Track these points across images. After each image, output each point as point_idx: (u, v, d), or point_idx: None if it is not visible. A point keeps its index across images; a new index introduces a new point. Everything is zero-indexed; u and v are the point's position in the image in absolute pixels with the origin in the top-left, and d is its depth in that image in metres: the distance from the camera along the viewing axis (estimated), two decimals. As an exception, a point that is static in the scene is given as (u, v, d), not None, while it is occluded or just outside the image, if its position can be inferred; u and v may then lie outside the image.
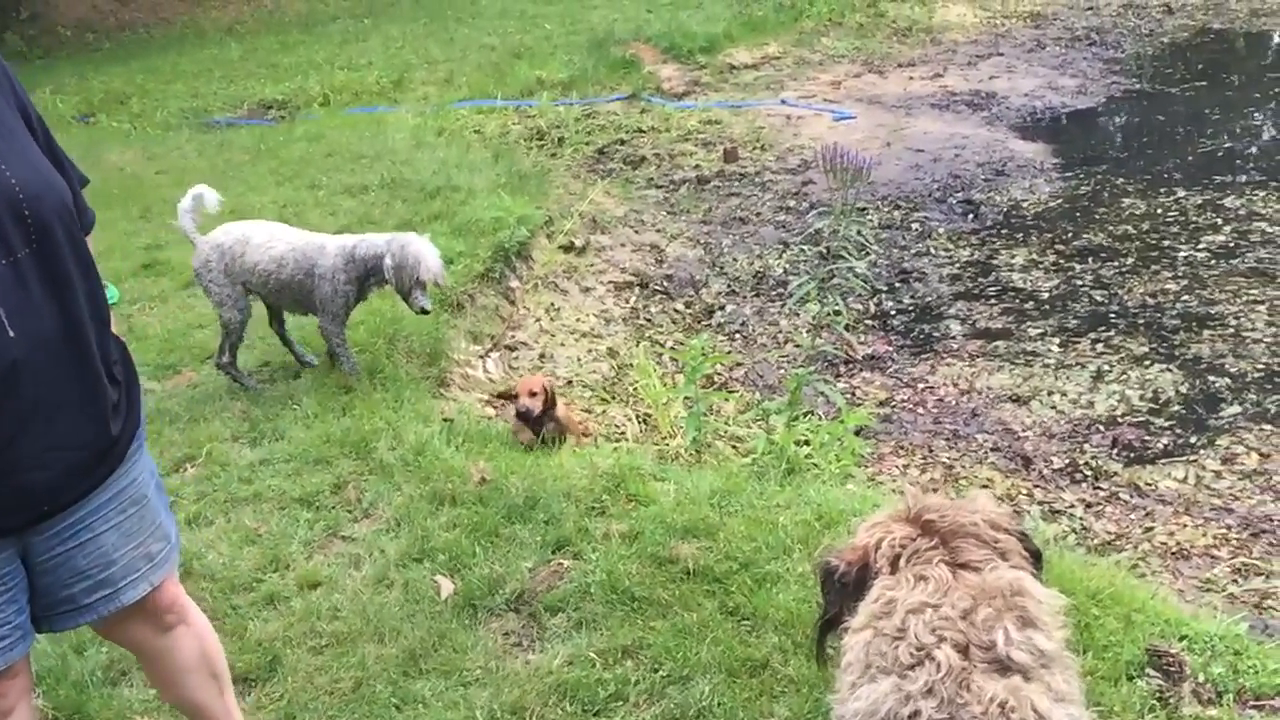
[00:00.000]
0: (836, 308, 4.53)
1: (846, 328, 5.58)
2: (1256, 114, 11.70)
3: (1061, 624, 1.97)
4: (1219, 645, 3.31)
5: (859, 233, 5.04)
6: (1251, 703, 3.07)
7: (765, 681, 3.39)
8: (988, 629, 1.93)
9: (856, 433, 5.38)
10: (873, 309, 7.87)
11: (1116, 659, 3.21)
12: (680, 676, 3.45)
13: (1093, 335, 7.13)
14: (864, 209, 9.17)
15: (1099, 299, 7.62)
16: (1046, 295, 7.79)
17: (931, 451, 6.10)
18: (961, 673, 1.88)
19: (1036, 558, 2.02)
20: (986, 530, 2.01)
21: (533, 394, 5.42)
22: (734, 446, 6.01)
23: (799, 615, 3.61)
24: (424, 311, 5.49)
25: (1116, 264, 8.12)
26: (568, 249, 8.45)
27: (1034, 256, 8.43)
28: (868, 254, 5.36)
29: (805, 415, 5.56)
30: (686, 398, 5.66)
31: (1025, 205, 9.47)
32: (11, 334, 2.21)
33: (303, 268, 5.50)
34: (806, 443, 5.21)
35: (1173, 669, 3.12)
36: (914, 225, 9.27)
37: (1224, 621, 3.47)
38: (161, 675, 2.96)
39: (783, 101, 12.63)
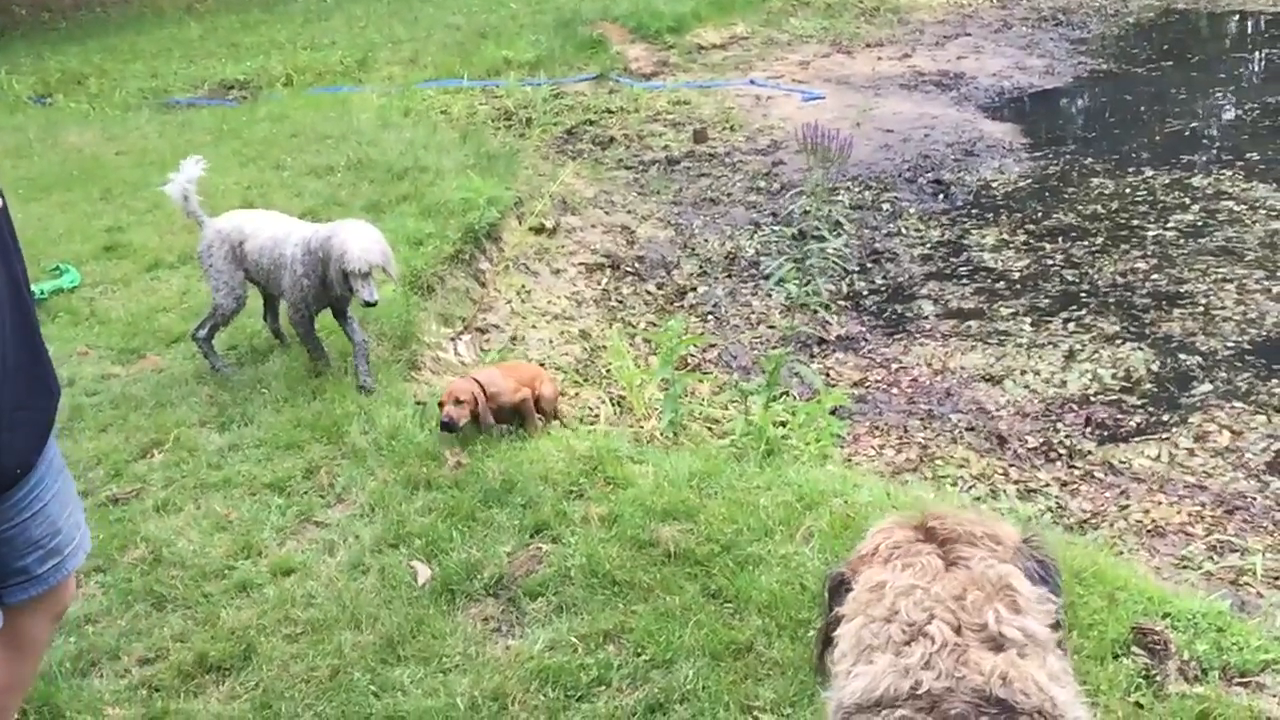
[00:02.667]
0: (815, 288, 4.49)
1: (824, 307, 5.53)
2: (1221, 94, 11.78)
3: (1049, 616, 1.94)
4: (1202, 623, 3.31)
5: (831, 213, 5.01)
6: (1237, 679, 3.07)
7: (749, 664, 3.36)
8: (978, 611, 1.90)
9: (832, 413, 5.36)
10: (845, 290, 7.85)
11: (1102, 637, 3.20)
12: (663, 660, 3.42)
13: (1064, 315, 7.14)
14: (835, 189, 9.14)
15: (1070, 278, 7.64)
16: (1018, 275, 7.80)
17: (907, 432, 6.09)
18: (957, 647, 1.85)
19: (1044, 567, 1.98)
20: (986, 539, 1.97)
21: (459, 401, 4.79)
22: (709, 428, 5.97)
23: (782, 597, 3.58)
24: (368, 304, 5.15)
25: (1087, 244, 8.14)
26: (538, 230, 8.36)
27: (1005, 236, 8.44)
28: (842, 234, 5.32)
29: (781, 396, 5.52)
30: (664, 379, 5.61)
31: (995, 185, 9.48)
32: None
33: (273, 257, 5.39)
34: (784, 424, 5.18)
35: (1158, 647, 3.12)
36: (885, 205, 9.26)
37: (1206, 599, 3.48)
38: (19, 674, 2.84)
39: (751, 82, 12.57)
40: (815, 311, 6.38)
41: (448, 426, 4.78)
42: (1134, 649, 3.14)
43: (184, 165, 5.59)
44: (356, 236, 5.12)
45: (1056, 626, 1.89)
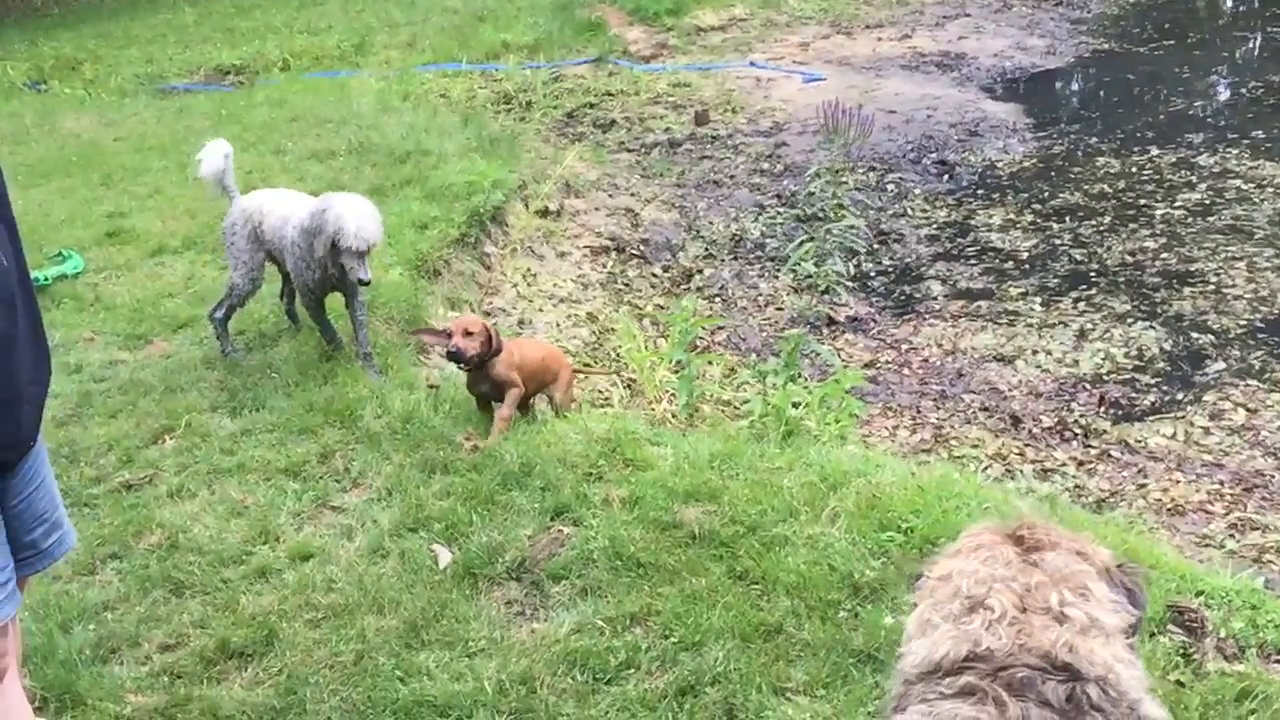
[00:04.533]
0: (833, 267, 4.45)
1: (832, 288, 5.49)
2: (1223, 73, 11.74)
3: (1120, 617, 1.89)
4: (1236, 600, 3.28)
5: (840, 192, 4.96)
6: (1275, 657, 3.05)
7: (780, 646, 3.32)
8: (1042, 593, 1.86)
9: (848, 393, 5.31)
10: (852, 270, 7.81)
11: (1138, 616, 3.16)
12: (692, 643, 3.38)
13: (1074, 294, 7.11)
14: (839, 170, 9.08)
15: (1078, 258, 7.61)
16: (1026, 255, 7.77)
17: (920, 412, 6.06)
18: (1018, 619, 1.81)
19: (1130, 591, 1.93)
20: (1071, 549, 1.92)
21: (468, 333, 4.57)
22: (721, 410, 5.94)
23: (810, 578, 3.54)
24: (362, 282, 5.04)
25: (1094, 223, 8.10)
26: (542, 214, 8.30)
27: (1011, 216, 8.40)
28: (853, 214, 5.27)
29: (795, 378, 5.48)
30: (677, 361, 5.56)
31: (1000, 165, 9.44)
32: (4, 263, 2.26)
33: (279, 238, 5.32)
34: (800, 405, 5.14)
35: (1194, 625, 3.09)
36: (889, 187, 9.21)
37: (1240, 576, 3.45)
38: None
39: (751, 64, 12.49)
40: (826, 291, 6.35)
41: (455, 357, 4.62)
42: (1171, 627, 3.11)
43: (215, 144, 5.51)
44: (353, 212, 4.96)
45: (1130, 632, 1.84)
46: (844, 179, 8.71)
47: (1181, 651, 3.06)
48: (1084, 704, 1.70)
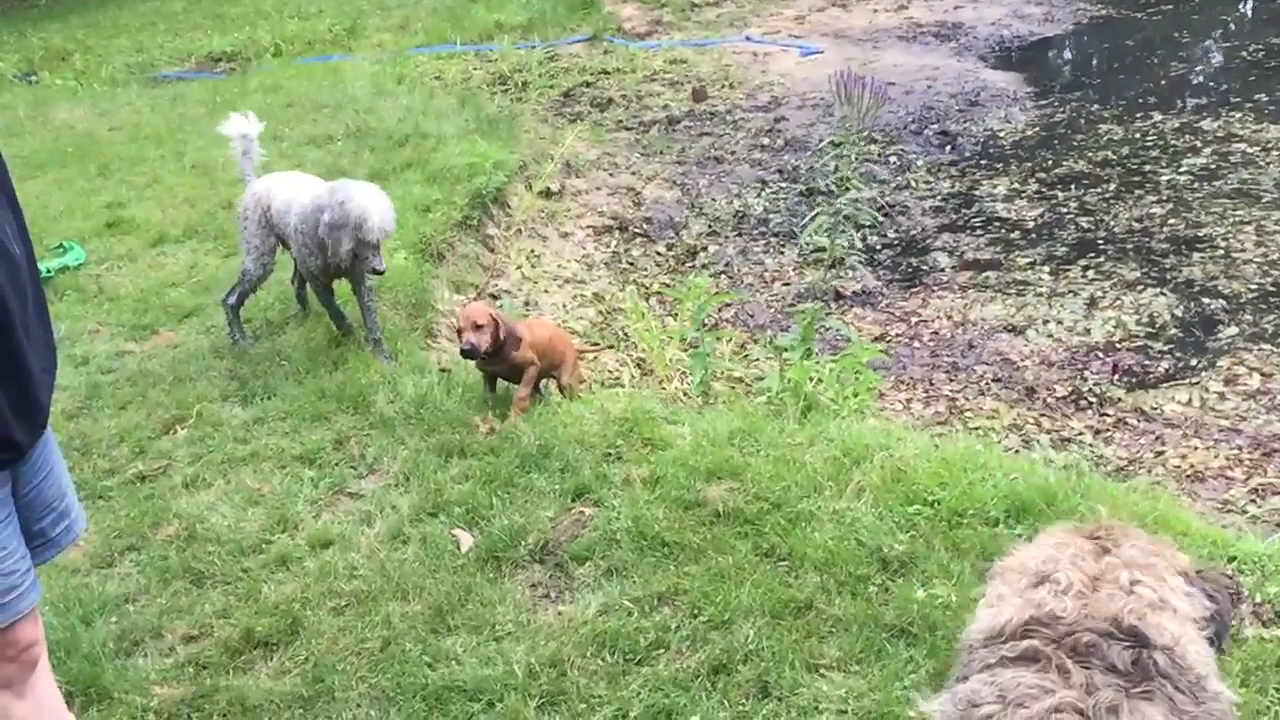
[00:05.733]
0: (848, 240, 4.40)
1: (844, 262, 5.44)
2: (1222, 36, 11.67)
3: (1193, 606, 1.86)
4: (1269, 565, 3.26)
5: (856, 159, 4.91)
6: (1312, 621, 3.03)
7: (811, 622, 3.30)
8: (1113, 572, 1.83)
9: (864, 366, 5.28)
10: (858, 244, 7.75)
11: (1172, 583, 3.14)
12: (721, 621, 3.35)
13: (1083, 262, 7.07)
14: (840, 143, 9.01)
15: (1085, 226, 7.56)
16: (1032, 224, 7.72)
17: (932, 385, 6.02)
18: (1086, 591, 1.78)
19: (1210, 594, 1.90)
20: (1148, 546, 1.89)
21: (478, 326, 4.52)
22: (732, 387, 5.90)
23: (838, 554, 3.51)
24: (377, 272, 5.03)
25: (1100, 190, 8.05)
26: (544, 194, 8.25)
27: (1016, 186, 8.35)
28: (860, 186, 5.21)
29: (810, 353, 5.44)
30: (692, 338, 5.52)
31: (1002, 135, 9.38)
32: (16, 251, 2.30)
33: (284, 224, 5.26)
34: (816, 380, 5.10)
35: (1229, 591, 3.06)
36: (892, 159, 9.16)
37: (1271, 541, 3.42)
38: None
39: (747, 38, 12.41)
40: (833, 266, 6.29)
41: (469, 353, 4.55)
42: (1206, 593, 3.08)
43: (241, 121, 5.50)
44: (375, 204, 4.92)
45: (1204, 624, 1.81)
46: (865, 150, 8.63)
47: (1218, 618, 3.03)
48: (1150, 670, 1.67)
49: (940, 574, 3.36)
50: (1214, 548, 3.34)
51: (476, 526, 4.00)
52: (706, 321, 6.91)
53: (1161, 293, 6.55)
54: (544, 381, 5.14)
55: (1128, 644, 1.67)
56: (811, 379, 5.10)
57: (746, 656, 3.21)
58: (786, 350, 4.97)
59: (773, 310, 7.04)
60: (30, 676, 2.52)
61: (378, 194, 5.04)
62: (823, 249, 5.99)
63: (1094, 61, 11.71)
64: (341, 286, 5.51)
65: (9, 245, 2.30)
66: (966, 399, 5.85)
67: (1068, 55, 11.84)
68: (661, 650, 3.30)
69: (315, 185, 5.30)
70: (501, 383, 4.97)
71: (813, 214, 4.53)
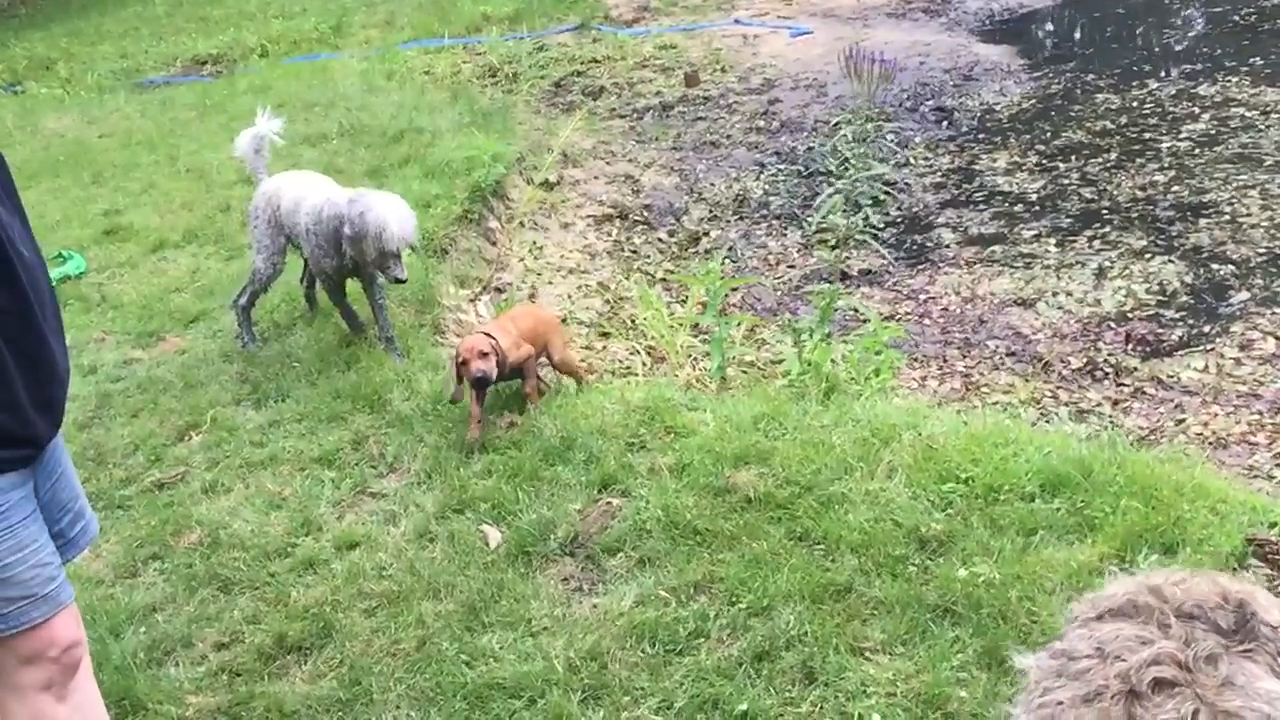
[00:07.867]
0: (864, 219, 4.36)
1: (874, 238, 5.40)
2: (1212, 1, 11.62)
3: None
4: (1310, 530, 3.23)
5: (870, 132, 4.86)
6: (1361, 584, 3.00)
7: (852, 605, 3.27)
8: (1197, 581, 1.78)
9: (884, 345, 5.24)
10: (860, 223, 7.72)
11: (1216, 551, 3.12)
12: (761, 608, 3.32)
13: (1089, 232, 7.03)
14: (838, 123, 8.97)
15: (1089, 196, 7.53)
16: (1035, 196, 7.68)
17: (946, 361, 6.00)
18: (1187, 583, 1.73)
19: None
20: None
21: (483, 354, 4.46)
22: (745, 371, 5.87)
23: (874, 535, 3.48)
24: (399, 280, 4.99)
25: (1100, 160, 8.02)
26: (543, 185, 8.19)
27: (1016, 159, 8.31)
28: (873, 165, 5.17)
29: (828, 334, 5.41)
30: (708, 324, 5.47)
31: (999, 108, 9.34)
32: (25, 254, 2.33)
33: (292, 224, 5.21)
34: (834, 361, 5.07)
35: (1276, 557, 3.04)
36: (889, 136, 9.10)
37: (1312, 505, 3.40)
38: None
39: (736, 21, 12.34)
40: (839, 244, 6.26)
41: (481, 383, 4.47)
42: (1252, 561, 3.06)
43: (260, 120, 5.54)
44: (395, 209, 4.89)
45: None
46: (881, 126, 8.57)
47: (1266, 585, 3.00)
48: (1255, 632, 1.62)
49: (981, 551, 3.33)
50: (1254, 514, 3.31)
51: (504, 521, 3.96)
52: (718, 307, 6.87)
53: (1170, 260, 6.52)
54: (560, 377, 5.10)
55: (1233, 610, 1.64)
56: (832, 360, 5.07)
57: (789, 642, 3.18)
58: (806, 332, 4.93)
59: (779, 293, 7.00)
60: (71, 680, 2.48)
61: (397, 203, 5.02)
62: (827, 229, 5.97)
63: (1086, 31, 11.67)
64: (352, 285, 5.46)
65: (19, 246, 2.32)
66: (981, 374, 5.82)
67: (1059, 26, 11.80)
68: (702, 639, 3.27)
69: (325, 185, 5.26)
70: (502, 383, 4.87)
71: (830, 192, 4.48)
